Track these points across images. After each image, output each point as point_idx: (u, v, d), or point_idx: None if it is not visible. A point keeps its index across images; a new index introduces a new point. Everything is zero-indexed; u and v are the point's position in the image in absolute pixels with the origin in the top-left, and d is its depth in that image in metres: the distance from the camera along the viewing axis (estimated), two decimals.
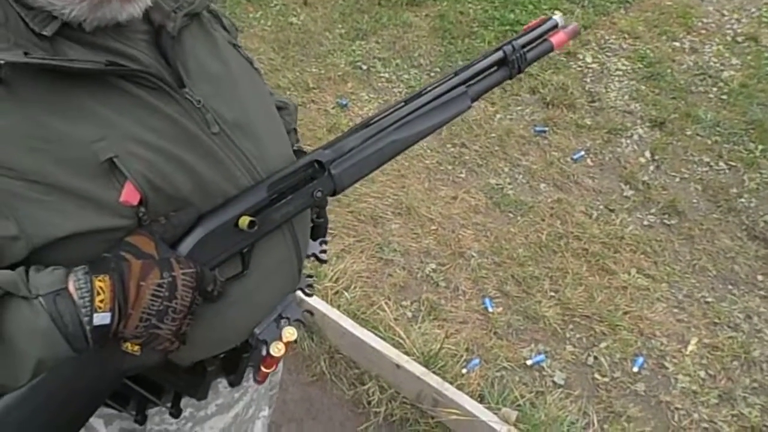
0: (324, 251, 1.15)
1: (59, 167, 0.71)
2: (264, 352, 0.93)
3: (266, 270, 0.91)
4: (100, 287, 0.70)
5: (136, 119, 0.77)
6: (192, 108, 0.82)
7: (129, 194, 0.74)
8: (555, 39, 1.13)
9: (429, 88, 1.04)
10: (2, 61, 0.65)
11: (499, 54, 1.08)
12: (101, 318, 0.69)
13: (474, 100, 1.07)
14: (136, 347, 0.74)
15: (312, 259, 1.16)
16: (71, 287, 0.70)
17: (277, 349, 0.92)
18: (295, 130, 1.20)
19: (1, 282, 0.68)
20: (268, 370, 0.95)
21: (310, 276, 1.12)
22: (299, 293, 1.06)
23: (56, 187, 0.71)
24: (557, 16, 1.15)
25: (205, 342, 0.88)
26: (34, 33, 0.71)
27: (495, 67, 1.09)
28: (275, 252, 0.93)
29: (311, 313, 0.92)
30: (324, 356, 2.28)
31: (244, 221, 0.82)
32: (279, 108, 1.14)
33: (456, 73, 1.06)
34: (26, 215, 0.70)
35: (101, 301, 0.69)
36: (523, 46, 1.10)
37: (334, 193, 0.95)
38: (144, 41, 0.82)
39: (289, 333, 0.93)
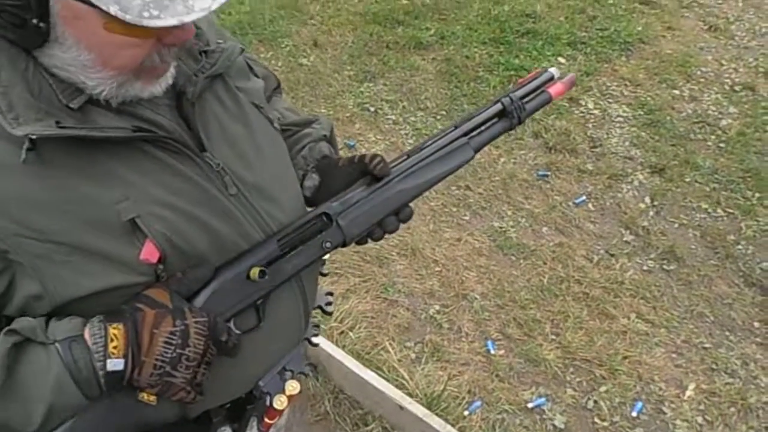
0: (330, 303, 1.18)
1: (85, 228, 0.75)
2: (268, 403, 0.96)
3: (276, 323, 0.95)
4: (114, 334, 0.73)
5: (158, 181, 0.81)
6: (211, 170, 0.86)
7: (149, 252, 0.78)
8: (552, 90, 1.16)
9: (431, 141, 1.07)
10: (34, 136, 0.69)
11: (498, 106, 1.10)
12: (114, 364, 0.73)
13: (477, 150, 1.10)
14: (152, 397, 0.77)
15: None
16: (87, 334, 0.73)
17: (279, 402, 0.95)
18: (326, 136, 1.17)
19: (21, 329, 0.73)
20: (271, 422, 0.98)
21: (316, 326, 1.14)
22: (305, 342, 1.10)
23: (80, 248, 0.75)
24: (553, 69, 1.17)
25: (214, 392, 0.90)
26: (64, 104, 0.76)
27: (495, 119, 1.11)
28: (285, 305, 0.96)
29: (314, 366, 0.95)
30: (328, 396, 2.31)
31: (255, 272, 0.85)
32: (309, 122, 1.16)
33: (456, 126, 1.09)
34: (50, 275, 0.74)
35: (114, 348, 0.73)
36: (522, 98, 1.12)
37: (344, 244, 0.97)
38: (167, 105, 0.87)
39: (292, 387, 0.96)
